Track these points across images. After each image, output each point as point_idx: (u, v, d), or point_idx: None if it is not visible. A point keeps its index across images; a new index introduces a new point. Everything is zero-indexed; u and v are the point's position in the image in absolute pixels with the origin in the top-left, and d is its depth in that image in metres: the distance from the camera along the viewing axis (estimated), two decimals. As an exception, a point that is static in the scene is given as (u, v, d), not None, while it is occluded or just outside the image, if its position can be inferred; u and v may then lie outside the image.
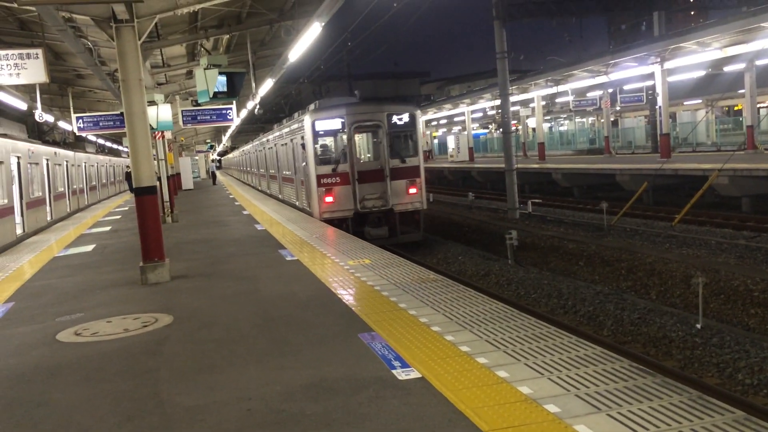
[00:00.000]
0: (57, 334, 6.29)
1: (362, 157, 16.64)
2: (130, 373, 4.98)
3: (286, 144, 20.60)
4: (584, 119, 54.24)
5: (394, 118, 15.87)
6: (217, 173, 53.05)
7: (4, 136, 15.93)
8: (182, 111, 17.69)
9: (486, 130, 63.77)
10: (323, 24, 10.92)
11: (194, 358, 5.22)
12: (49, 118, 20.05)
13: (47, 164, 20.44)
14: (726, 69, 28.44)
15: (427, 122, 55.17)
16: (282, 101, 44.46)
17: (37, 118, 15.44)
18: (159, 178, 15.72)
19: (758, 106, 30.00)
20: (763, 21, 17.53)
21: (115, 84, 14.36)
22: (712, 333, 8.70)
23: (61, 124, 23.03)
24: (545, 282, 12.40)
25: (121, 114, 14.89)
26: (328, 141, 16.34)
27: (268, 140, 26.65)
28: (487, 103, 40.07)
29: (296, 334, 5.64)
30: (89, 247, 13.08)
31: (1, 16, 11.79)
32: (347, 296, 6.88)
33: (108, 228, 17.04)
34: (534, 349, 4.76)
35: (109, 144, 40.61)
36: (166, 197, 16.88)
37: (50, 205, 20.63)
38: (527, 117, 44.45)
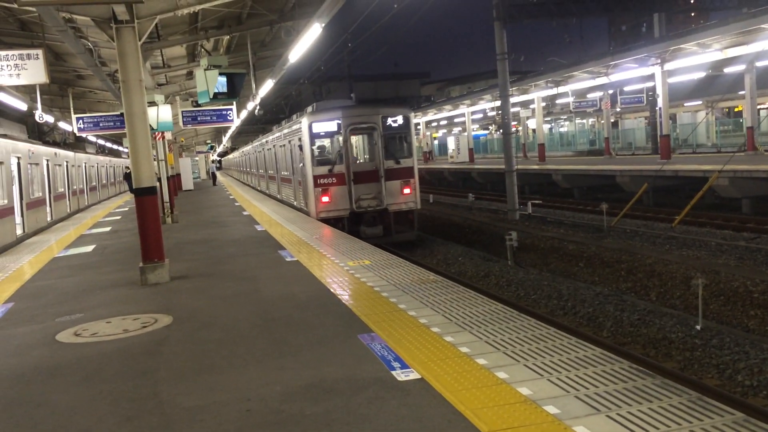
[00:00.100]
0: (57, 335, 6.30)
1: (358, 158, 17.09)
2: (129, 374, 4.98)
3: (284, 145, 20.94)
4: (584, 120, 54.23)
5: (389, 121, 16.29)
6: (218, 174, 53.03)
7: (5, 136, 15.94)
8: (182, 112, 17.71)
9: (486, 131, 63.79)
10: (323, 25, 10.93)
11: (194, 359, 5.22)
12: (50, 119, 20.07)
13: (47, 165, 20.45)
14: (726, 70, 28.44)
15: (428, 123, 55.21)
16: (282, 102, 44.48)
17: (37, 118, 15.45)
18: (159, 179, 15.75)
19: (758, 107, 30.00)
20: (763, 22, 17.53)
21: (115, 85, 14.37)
22: (712, 334, 8.70)
23: (62, 124, 23.05)
24: (545, 283, 12.40)
25: (122, 115, 14.90)
26: (325, 142, 16.76)
27: (267, 141, 26.98)
28: (488, 104, 40.08)
29: (296, 334, 5.64)
30: (89, 248, 13.08)
31: (2, 17, 11.81)
32: (347, 297, 6.88)
33: (108, 228, 17.04)
34: (534, 350, 4.76)
35: (109, 145, 40.62)
36: (166, 198, 16.89)
37: (50, 206, 20.64)
38: (527, 118, 44.45)
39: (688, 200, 17.23)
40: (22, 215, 16.73)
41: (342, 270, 8.46)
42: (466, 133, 46.99)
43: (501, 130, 29.50)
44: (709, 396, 4.41)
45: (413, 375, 4.42)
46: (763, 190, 17.37)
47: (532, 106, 37.47)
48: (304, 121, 16.59)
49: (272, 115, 44.53)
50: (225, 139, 53.35)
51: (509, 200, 21.68)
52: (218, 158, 75.98)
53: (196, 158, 48.28)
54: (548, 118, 52.40)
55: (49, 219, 20.23)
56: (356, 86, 64.26)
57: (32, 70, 10.50)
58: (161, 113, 14.87)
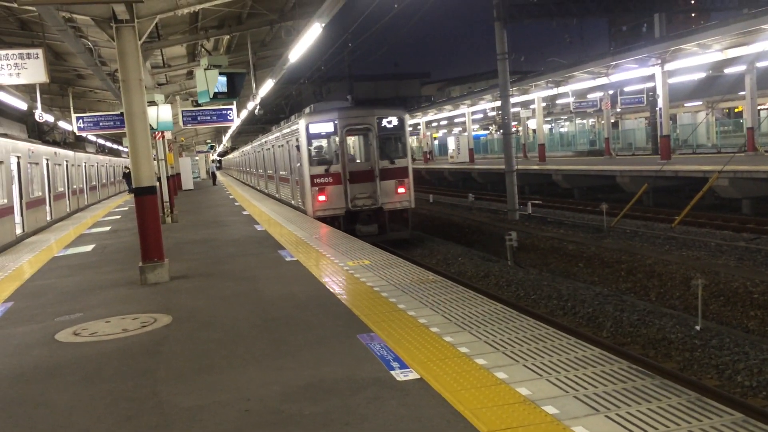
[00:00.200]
0: (56, 334, 6.29)
1: (356, 156, 17.51)
2: (128, 374, 4.98)
3: (282, 146, 21.31)
4: (585, 121, 54.23)
5: (384, 122, 16.69)
6: (217, 174, 53.02)
7: (4, 135, 15.94)
8: (182, 111, 17.71)
9: (486, 132, 63.78)
10: (323, 25, 10.93)
11: (193, 359, 5.22)
12: (49, 118, 20.06)
13: (47, 164, 20.45)
14: (726, 71, 28.44)
15: (428, 123, 55.19)
16: (282, 102, 44.49)
17: (37, 118, 15.45)
18: (159, 179, 15.75)
19: (759, 108, 30.00)
20: (763, 23, 17.52)
21: (115, 84, 14.37)
22: (712, 335, 8.70)
23: (61, 124, 23.05)
24: (545, 283, 12.40)
25: (121, 114, 14.89)
26: (322, 143, 17.16)
27: (266, 142, 27.34)
28: (488, 105, 40.07)
29: (295, 334, 5.64)
30: (89, 247, 13.08)
31: (2, 16, 11.80)
32: (346, 297, 6.88)
33: (108, 228, 17.04)
34: (533, 351, 4.75)
35: (109, 144, 40.62)
36: (166, 197, 16.89)
37: (50, 205, 20.63)
38: (528, 118, 44.45)
39: (688, 201, 17.23)
40: (21, 214, 16.72)
41: (341, 270, 8.46)
42: (466, 133, 46.99)
43: (501, 131, 29.49)
44: (709, 396, 4.41)
45: (412, 375, 4.42)
46: (764, 191, 17.37)
47: (532, 107, 37.47)
48: (302, 122, 16.97)
49: (272, 115, 44.53)
50: (225, 139, 53.36)
51: (509, 200, 21.67)
52: (218, 158, 75.99)
53: (196, 158, 48.26)
54: (548, 119, 52.40)
55: (48, 218, 20.22)
56: (356, 86, 64.29)
57: (32, 69, 10.50)
58: (161, 113, 14.87)
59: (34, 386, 4.85)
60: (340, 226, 15.43)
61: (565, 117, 54.86)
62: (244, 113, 25.89)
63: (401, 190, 16.77)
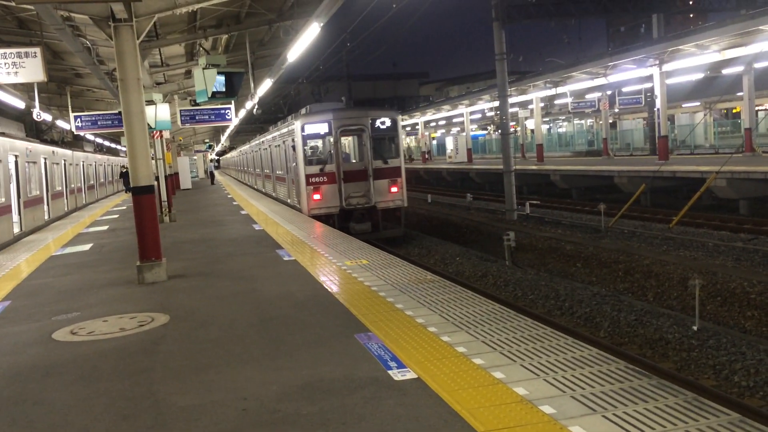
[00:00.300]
0: (53, 333, 6.29)
1: (351, 156, 17.96)
2: (125, 373, 4.98)
3: (279, 146, 21.71)
4: (583, 121, 54.27)
5: (377, 123, 17.12)
6: (216, 173, 52.99)
7: (2, 134, 15.92)
8: (181, 110, 17.71)
9: (485, 132, 63.80)
10: (322, 24, 10.93)
11: (190, 358, 5.22)
12: (47, 117, 20.05)
13: (45, 163, 20.42)
14: (724, 72, 28.47)
15: (426, 123, 55.19)
16: (281, 101, 44.44)
17: (35, 116, 15.44)
18: (157, 178, 15.74)
19: (756, 108, 30.02)
20: (761, 24, 17.55)
21: (113, 83, 14.35)
22: (709, 335, 8.71)
23: (60, 123, 23.02)
24: (542, 283, 12.41)
25: (119, 113, 14.84)
26: (317, 143, 17.64)
27: (263, 142, 27.73)
28: (486, 105, 40.10)
29: (293, 334, 5.64)
30: (86, 246, 13.07)
31: (0, 15, 11.78)
32: (344, 297, 6.88)
33: (105, 227, 17.02)
34: (530, 350, 4.76)
35: (107, 143, 40.58)
36: (164, 197, 16.88)
37: (48, 204, 20.61)
38: (526, 118, 44.47)
39: (686, 201, 17.26)
40: (19, 213, 16.70)
41: (339, 269, 8.46)
42: (464, 133, 47.00)
43: (499, 131, 29.52)
44: (706, 396, 4.42)
45: (410, 375, 4.42)
46: (761, 192, 17.40)
47: (530, 107, 37.50)
48: (297, 123, 17.39)
49: (271, 115, 44.49)
50: (223, 139, 53.31)
51: (507, 200, 21.68)
52: (216, 157, 75.96)
53: (195, 157, 48.20)
54: (547, 119, 52.38)
55: (46, 217, 20.20)
56: (355, 86, 64.34)
57: (30, 68, 10.49)
58: (159, 112, 14.87)
59: (32, 385, 4.84)
60: (334, 224, 15.79)
61: (564, 117, 54.88)
62: (242, 113, 25.88)
63: (394, 189, 17.19)
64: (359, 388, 4.25)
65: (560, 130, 59.08)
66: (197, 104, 16.68)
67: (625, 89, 35.66)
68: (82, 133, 22.52)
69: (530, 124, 46.04)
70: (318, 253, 9.98)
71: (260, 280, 8.15)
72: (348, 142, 18.54)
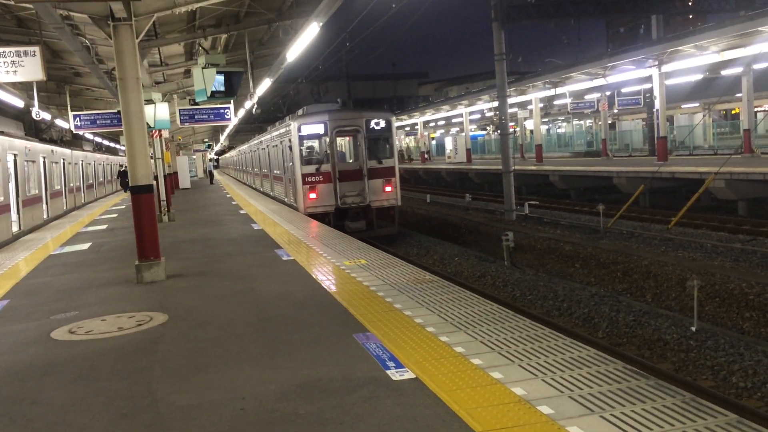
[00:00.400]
0: (51, 332, 6.29)
1: (347, 155, 18.47)
2: (124, 372, 4.98)
3: (276, 146, 22.17)
4: (582, 122, 54.30)
5: (372, 124, 17.55)
6: (215, 172, 52.97)
7: (1, 133, 15.92)
8: (180, 110, 17.71)
9: (484, 132, 63.81)
10: (321, 24, 10.93)
11: (189, 357, 5.22)
12: (46, 116, 20.04)
13: (44, 162, 20.41)
14: (723, 73, 28.49)
15: (425, 123, 55.19)
16: (280, 101, 44.46)
17: (34, 115, 15.42)
18: (156, 177, 15.73)
19: (755, 109, 30.05)
20: (760, 25, 17.57)
21: (112, 82, 14.34)
22: (707, 336, 8.72)
23: (59, 122, 23.00)
24: (541, 284, 12.42)
25: (119, 112, 14.80)
26: (313, 143, 18.05)
27: (261, 141, 28.19)
28: (485, 105, 40.09)
29: (291, 333, 5.64)
30: (85, 246, 13.06)
31: (-1, 14, 11.78)
32: (342, 296, 6.88)
33: (104, 226, 17.02)
34: (528, 351, 4.76)
35: (106, 142, 40.55)
36: (163, 196, 16.87)
37: (47, 203, 20.61)
38: (525, 119, 44.48)
39: (685, 202, 17.27)
40: (18, 212, 16.69)
41: (338, 269, 8.46)
42: (463, 134, 47.01)
43: (498, 131, 29.52)
44: (703, 397, 4.43)
45: (408, 374, 4.43)
46: (760, 193, 17.41)
47: (529, 107, 37.50)
48: (294, 124, 17.79)
49: (270, 114, 44.49)
50: (222, 138, 53.28)
51: (506, 201, 21.69)
52: (215, 157, 75.92)
53: (194, 156, 48.17)
54: (546, 119, 52.40)
55: (45, 216, 20.20)
56: (354, 86, 64.26)
57: (29, 67, 10.49)
58: (158, 111, 14.85)
59: (30, 384, 4.84)
60: (330, 223, 16.15)
61: (563, 118, 54.91)
62: (241, 112, 25.87)
63: (388, 188, 17.58)
64: (357, 387, 4.25)
65: (559, 130, 59.09)
66: (196, 103, 16.67)
67: (624, 90, 35.67)
68: (81, 132, 22.50)
69: (529, 124, 46.06)
70: (317, 252, 9.98)
71: (259, 280, 8.15)
72: (344, 142, 18.95)
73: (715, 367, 7.84)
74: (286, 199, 20.50)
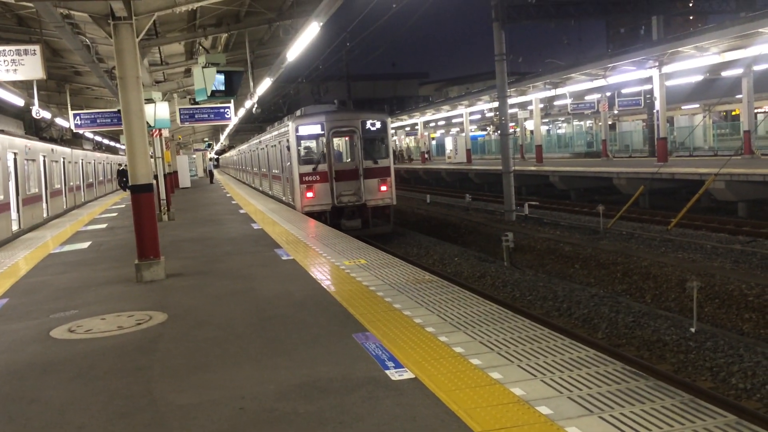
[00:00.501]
0: (51, 331, 6.29)
1: (344, 155, 18.79)
2: (123, 371, 4.98)
3: (275, 146, 22.60)
4: (582, 122, 54.29)
5: (368, 125, 17.87)
6: (215, 172, 52.98)
7: (1, 132, 15.91)
8: (180, 109, 17.70)
9: (484, 132, 63.80)
10: (322, 24, 10.92)
11: (188, 357, 5.22)
12: (47, 115, 20.03)
13: (44, 161, 20.41)
14: (724, 74, 28.49)
15: (426, 123, 55.18)
16: (280, 101, 44.42)
17: (34, 114, 15.42)
18: (156, 176, 15.72)
19: (755, 111, 30.06)
20: (761, 26, 17.56)
21: (112, 81, 14.33)
22: (706, 337, 8.71)
23: (59, 120, 22.99)
24: (541, 284, 12.41)
25: (119, 111, 14.77)
26: (310, 144, 18.40)
27: (260, 141, 28.65)
28: (486, 105, 40.09)
29: (291, 333, 5.64)
30: (85, 244, 13.06)
31: (-1, 12, 11.78)
32: (342, 296, 6.88)
33: (104, 225, 17.02)
34: (528, 351, 4.76)
35: (106, 141, 40.53)
36: (163, 195, 16.87)
37: (46, 202, 20.60)
38: (525, 119, 44.47)
39: (685, 203, 17.25)
40: (18, 211, 16.69)
41: (338, 269, 8.46)
42: (463, 134, 47.00)
43: (499, 131, 29.52)
44: (702, 398, 4.42)
45: (407, 374, 4.43)
46: (760, 194, 17.41)
47: (530, 108, 37.49)
48: (291, 125, 18.15)
49: (270, 114, 44.48)
50: (222, 137, 53.28)
51: (506, 201, 21.68)
52: (216, 156, 75.91)
53: (194, 156, 48.16)
54: (546, 120, 52.41)
55: (45, 215, 20.19)
56: (354, 86, 64.25)
57: (29, 65, 10.48)
58: (158, 110, 14.85)
59: (29, 383, 4.84)
60: (326, 221, 16.49)
61: (563, 118, 54.91)
62: (241, 112, 25.87)
63: (383, 188, 17.93)
64: (357, 387, 4.25)
65: (559, 131, 59.09)
66: (196, 103, 16.66)
67: (624, 91, 35.66)
68: (81, 131, 22.48)
69: (529, 125, 46.05)
70: (316, 252, 9.98)
71: (258, 280, 8.15)
72: (340, 142, 19.26)
73: (715, 369, 7.84)
74: (284, 198, 20.78)
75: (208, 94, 11.79)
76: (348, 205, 17.64)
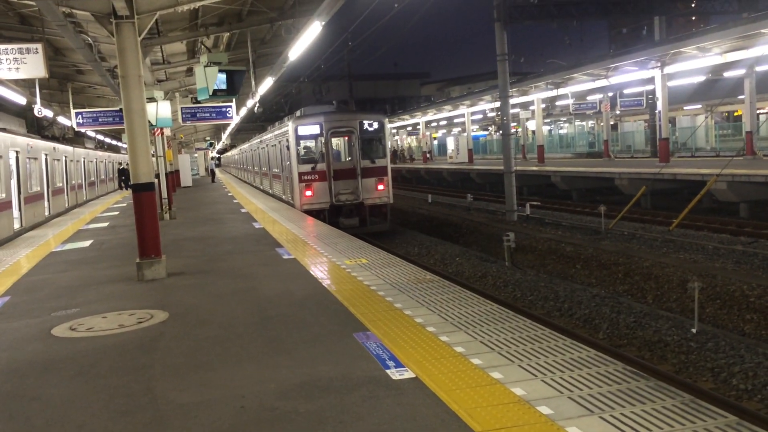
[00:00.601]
0: (52, 329, 6.29)
1: (340, 156, 19.04)
2: (124, 369, 4.98)
3: (275, 145, 22.97)
4: (584, 122, 54.25)
5: (366, 125, 18.22)
6: (216, 171, 53.02)
7: (3, 130, 15.93)
8: (182, 108, 17.74)
9: (485, 132, 63.78)
10: (323, 23, 10.92)
11: (189, 355, 5.22)
12: (48, 114, 20.02)
13: (46, 159, 20.42)
14: (726, 74, 28.47)
15: (427, 123, 55.18)
16: (282, 100, 44.42)
17: (36, 113, 15.42)
18: (157, 175, 15.74)
19: (757, 112, 30.03)
20: (763, 27, 17.55)
21: (114, 80, 14.34)
22: (708, 338, 8.71)
23: (61, 119, 23.01)
24: (542, 284, 12.41)
25: (121, 110, 14.87)
26: (309, 143, 18.74)
27: (261, 141, 29.02)
28: (487, 105, 40.06)
29: (291, 332, 5.64)
30: (86, 243, 13.07)
31: (2, 11, 11.78)
32: (343, 295, 6.88)
33: (106, 224, 17.03)
34: (528, 351, 4.76)
35: (108, 140, 40.57)
36: (165, 194, 16.88)
37: (48, 201, 20.61)
38: (527, 119, 44.45)
39: (686, 203, 17.24)
40: (20, 209, 16.70)
41: (339, 268, 8.46)
42: (465, 134, 46.99)
43: (500, 131, 29.51)
44: (703, 399, 4.42)
45: (408, 374, 4.43)
46: (761, 195, 17.39)
47: (531, 108, 37.47)
48: (291, 125, 18.50)
49: (272, 113, 44.49)
50: (224, 137, 53.31)
51: (508, 201, 21.67)
52: (217, 155, 75.94)
53: (195, 155, 48.22)
54: (548, 120, 52.40)
55: (47, 214, 20.21)
56: (356, 85, 64.26)
57: (31, 64, 10.49)
58: (160, 109, 14.87)
59: (30, 381, 4.85)
60: (325, 219, 16.72)
61: (565, 119, 54.89)
62: (243, 111, 25.89)
63: (381, 187, 18.25)
64: (357, 386, 4.25)
65: (561, 131, 59.08)
66: (198, 102, 16.74)
67: (626, 91, 35.62)
68: (83, 130, 22.50)
69: (531, 125, 46.03)
70: (317, 251, 9.98)
71: (260, 279, 8.15)
72: (338, 142, 19.53)
73: (716, 369, 7.83)
74: (284, 197, 21.08)
75: (210, 93, 11.80)
76: (346, 203, 17.95)
